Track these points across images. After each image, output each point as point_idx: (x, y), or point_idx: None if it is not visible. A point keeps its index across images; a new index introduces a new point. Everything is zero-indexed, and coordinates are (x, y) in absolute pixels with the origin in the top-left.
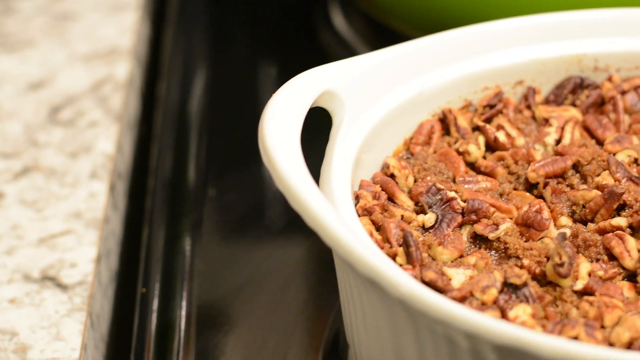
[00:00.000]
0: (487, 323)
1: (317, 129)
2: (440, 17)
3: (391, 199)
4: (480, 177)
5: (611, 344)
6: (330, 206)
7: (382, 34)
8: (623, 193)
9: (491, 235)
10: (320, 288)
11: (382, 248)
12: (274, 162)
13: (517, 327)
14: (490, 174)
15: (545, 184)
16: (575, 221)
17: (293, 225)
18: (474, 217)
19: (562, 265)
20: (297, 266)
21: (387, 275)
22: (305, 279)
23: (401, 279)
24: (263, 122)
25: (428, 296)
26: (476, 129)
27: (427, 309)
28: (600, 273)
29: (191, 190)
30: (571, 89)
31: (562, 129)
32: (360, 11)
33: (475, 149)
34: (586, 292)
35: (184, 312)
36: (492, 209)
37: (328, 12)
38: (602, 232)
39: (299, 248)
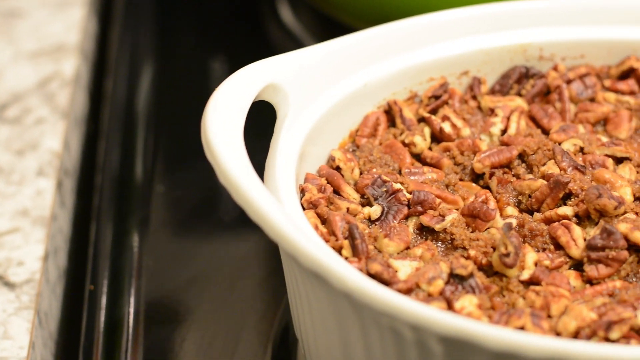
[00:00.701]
0: (432, 314)
1: (264, 123)
2: (386, 9)
3: (337, 191)
4: (426, 169)
5: (558, 334)
6: (274, 200)
7: (329, 26)
8: (569, 182)
9: (437, 227)
10: (269, 282)
11: (327, 241)
12: (216, 157)
13: (463, 318)
14: (436, 165)
15: (491, 174)
16: (521, 211)
17: (241, 220)
18: (420, 208)
19: (507, 255)
20: (245, 261)
21: (332, 268)
22: (253, 274)
23: (345, 272)
24: (205, 116)
25: (372, 288)
26: (422, 120)
27: (372, 302)
28: (547, 262)
29: (139, 187)
30: (516, 79)
31: (508, 118)
32: (308, 4)
33: (421, 140)
34: (532, 281)
35: (132, 309)
36: (438, 200)
37: (275, 6)
38: (549, 221)
39: (247, 243)
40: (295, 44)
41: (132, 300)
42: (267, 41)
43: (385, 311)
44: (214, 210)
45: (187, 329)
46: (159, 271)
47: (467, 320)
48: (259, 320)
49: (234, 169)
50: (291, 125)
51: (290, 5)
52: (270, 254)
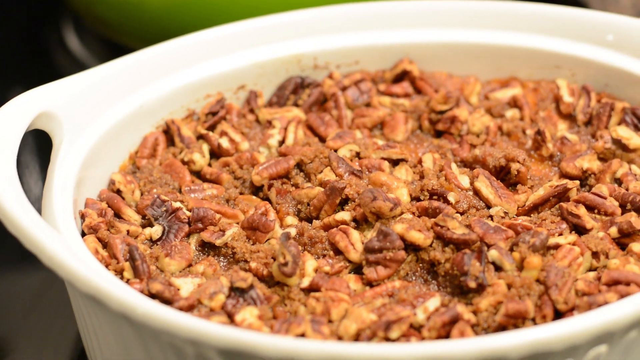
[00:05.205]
0: (209, 328)
1: (46, 152)
2: (164, 29)
3: (118, 214)
4: (206, 185)
5: (340, 338)
6: (49, 228)
7: (115, 50)
8: (344, 187)
9: (218, 242)
10: (64, 310)
11: (109, 264)
12: None
13: (241, 330)
14: (215, 181)
15: (270, 186)
16: (301, 219)
17: None
18: (200, 225)
19: (286, 264)
20: (40, 290)
21: (107, 291)
22: (49, 303)
23: (121, 293)
24: None
25: (149, 307)
26: (200, 137)
27: (149, 320)
28: (327, 268)
29: None
30: (292, 89)
31: (285, 129)
32: (92, 29)
33: (200, 158)
34: (313, 288)
35: None
36: (218, 216)
37: (61, 32)
38: (327, 227)
39: (41, 272)
40: (82, 69)
41: None
42: (54, 67)
43: (163, 329)
44: (5, 241)
45: None
46: None
47: (244, 332)
48: (55, 348)
49: (6, 200)
50: (67, 152)
51: (75, 31)
52: (63, 282)
